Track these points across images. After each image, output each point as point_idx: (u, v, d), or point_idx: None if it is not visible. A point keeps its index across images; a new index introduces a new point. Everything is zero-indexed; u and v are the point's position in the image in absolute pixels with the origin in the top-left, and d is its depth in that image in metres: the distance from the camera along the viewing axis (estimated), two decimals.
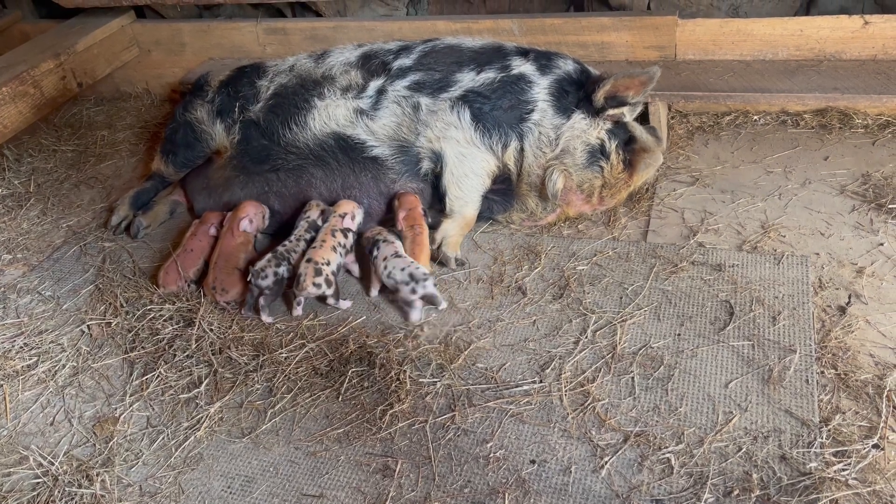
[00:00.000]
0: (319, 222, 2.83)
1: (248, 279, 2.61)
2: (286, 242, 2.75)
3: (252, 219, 2.89)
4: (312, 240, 2.76)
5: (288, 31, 4.13)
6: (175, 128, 3.28)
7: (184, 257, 2.82)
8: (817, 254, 2.62)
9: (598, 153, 2.86)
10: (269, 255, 2.66)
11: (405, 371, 2.31)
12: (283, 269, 2.64)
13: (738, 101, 3.29)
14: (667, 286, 2.56)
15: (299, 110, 3.01)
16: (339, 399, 2.28)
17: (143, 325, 2.62)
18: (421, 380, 2.30)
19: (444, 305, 2.58)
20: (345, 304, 2.66)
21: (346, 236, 2.74)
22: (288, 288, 2.66)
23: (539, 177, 2.88)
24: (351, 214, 2.83)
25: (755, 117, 3.45)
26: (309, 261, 2.60)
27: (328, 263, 2.60)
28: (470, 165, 2.85)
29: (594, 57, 3.69)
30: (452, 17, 3.99)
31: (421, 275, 2.52)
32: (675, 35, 3.55)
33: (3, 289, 2.95)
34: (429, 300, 2.54)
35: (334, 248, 2.67)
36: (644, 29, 3.58)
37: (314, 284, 2.55)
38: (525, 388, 2.25)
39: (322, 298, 2.64)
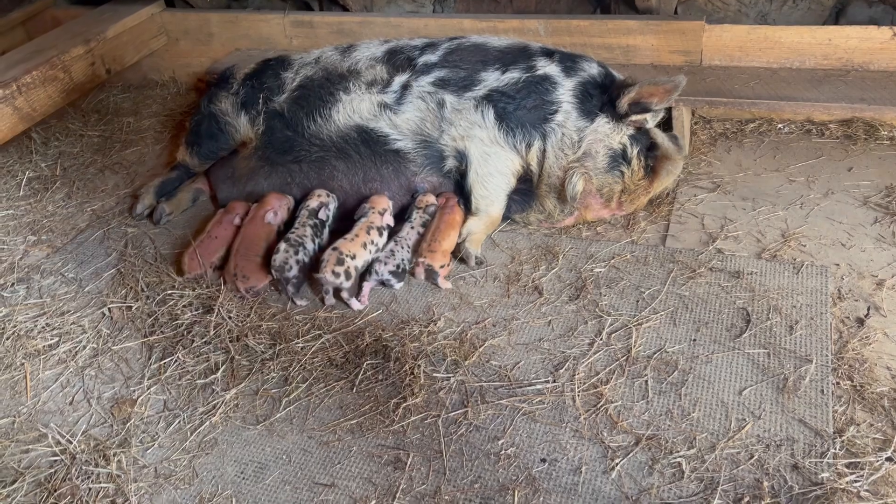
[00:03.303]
0: (322, 214, 2.87)
1: (273, 275, 2.66)
2: (293, 230, 2.77)
3: (277, 211, 2.92)
4: (315, 225, 2.81)
5: (315, 25, 4.16)
6: (200, 119, 3.31)
7: (208, 243, 2.86)
8: (837, 264, 2.61)
9: (619, 158, 2.86)
10: (284, 246, 2.67)
11: (419, 365, 2.33)
12: (301, 255, 2.67)
13: (763, 108, 3.27)
14: (684, 291, 2.55)
15: (324, 103, 3.03)
16: (353, 390, 2.30)
17: (162, 311, 2.66)
18: (435, 375, 2.32)
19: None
20: (357, 305, 2.64)
21: (380, 234, 2.76)
22: (311, 271, 2.68)
23: (559, 178, 2.87)
24: (390, 210, 2.85)
25: (779, 125, 3.43)
26: (334, 249, 2.62)
27: (353, 257, 2.62)
28: (495, 164, 2.86)
29: (619, 60, 3.68)
30: (479, 15, 4.00)
31: (380, 262, 2.68)
32: (702, 40, 3.53)
33: (27, 269, 3.00)
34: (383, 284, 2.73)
35: (364, 245, 2.68)
36: (670, 33, 3.56)
37: (333, 273, 2.57)
38: (538, 387, 2.26)
39: (337, 291, 2.65)
